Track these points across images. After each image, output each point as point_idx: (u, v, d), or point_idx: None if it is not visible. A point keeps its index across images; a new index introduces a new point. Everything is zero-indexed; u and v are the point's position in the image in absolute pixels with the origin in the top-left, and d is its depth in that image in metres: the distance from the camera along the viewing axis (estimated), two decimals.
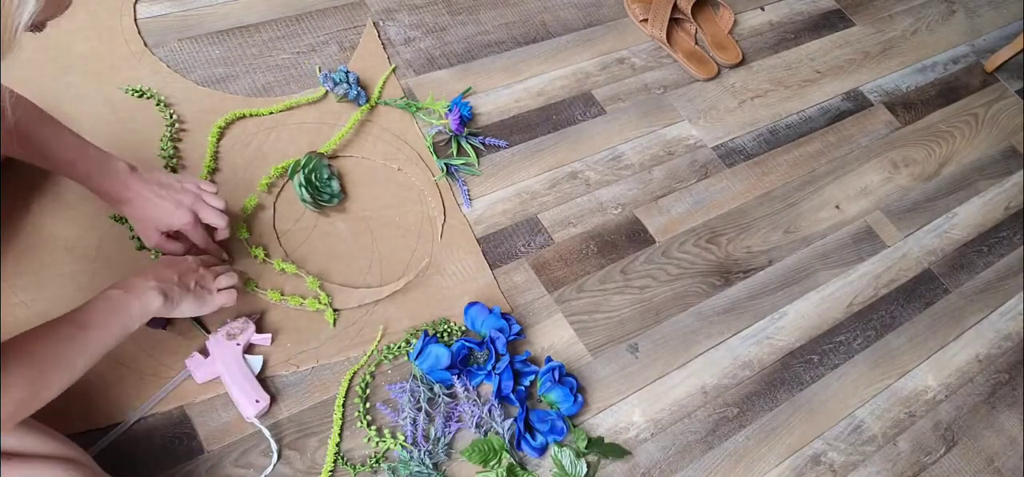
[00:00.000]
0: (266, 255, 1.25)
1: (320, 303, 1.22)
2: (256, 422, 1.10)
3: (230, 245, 1.24)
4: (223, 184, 1.30)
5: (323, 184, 1.32)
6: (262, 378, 1.14)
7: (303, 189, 1.29)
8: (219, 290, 1.10)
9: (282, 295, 1.22)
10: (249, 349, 1.16)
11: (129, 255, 1.20)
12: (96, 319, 0.92)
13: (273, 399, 1.14)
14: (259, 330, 1.18)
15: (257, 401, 1.10)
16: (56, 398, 1.01)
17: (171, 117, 1.35)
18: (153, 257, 1.19)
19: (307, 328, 1.22)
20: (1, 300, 1.11)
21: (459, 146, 1.48)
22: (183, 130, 1.35)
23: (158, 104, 1.35)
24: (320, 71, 1.50)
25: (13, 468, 0.84)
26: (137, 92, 1.36)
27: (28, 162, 1.07)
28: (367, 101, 1.47)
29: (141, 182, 1.11)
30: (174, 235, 1.15)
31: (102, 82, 1.36)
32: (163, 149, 1.30)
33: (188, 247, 1.17)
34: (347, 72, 1.48)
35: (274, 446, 1.09)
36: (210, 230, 1.18)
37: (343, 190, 1.36)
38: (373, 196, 1.38)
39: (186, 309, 1.04)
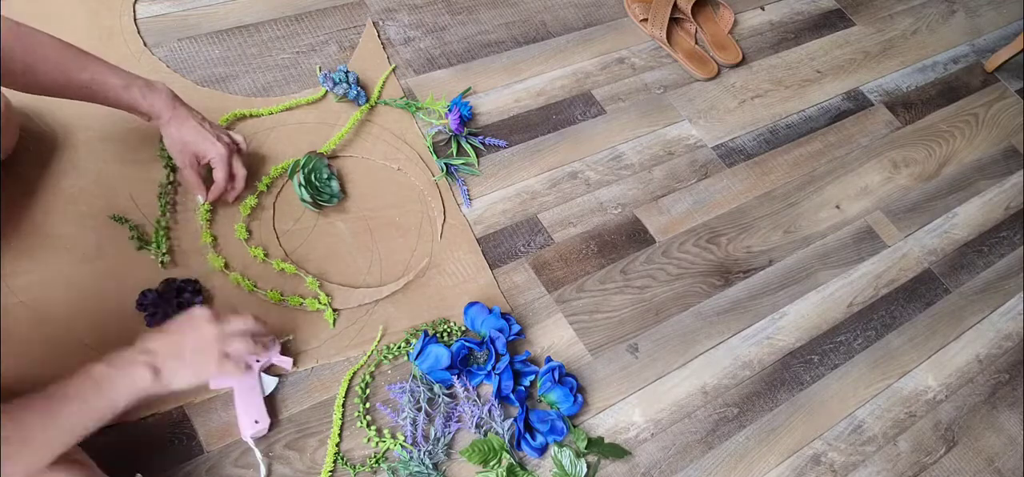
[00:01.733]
0: (265, 255, 1.25)
1: (320, 303, 1.22)
2: (249, 441, 1.09)
3: (231, 245, 1.24)
4: None
5: (323, 184, 1.32)
6: (270, 398, 1.14)
7: (303, 189, 1.29)
8: (228, 354, 0.99)
9: (282, 296, 1.22)
10: (268, 368, 1.15)
11: (128, 255, 1.20)
12: (74, 395, 0.84)
13: (274, 422, 1.13)
14: (284, 352, 1.17)
15: (256, 422, 1.10)
16: None
17: None
18: (158, 256, 1.20)
19: (307, 328, 1.21)
20: (1, 300, 1.11)
21: (459, 146, 1.48)
22: None
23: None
24: (320, 71, 1.50)
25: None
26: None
27: (77, 100, 1.12)
28: (367, 101, 1.47)
29: (185, 107, 1.19)
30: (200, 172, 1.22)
31: None
32: (162, 150, 1.30)
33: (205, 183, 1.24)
34: (347, 72, 1.48)
35: (263, 467, 1.08)
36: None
37: (343, 190, 1.36)
38: (373, 196, 1.38)
39: (182, 380, 0.93)
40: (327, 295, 1.24)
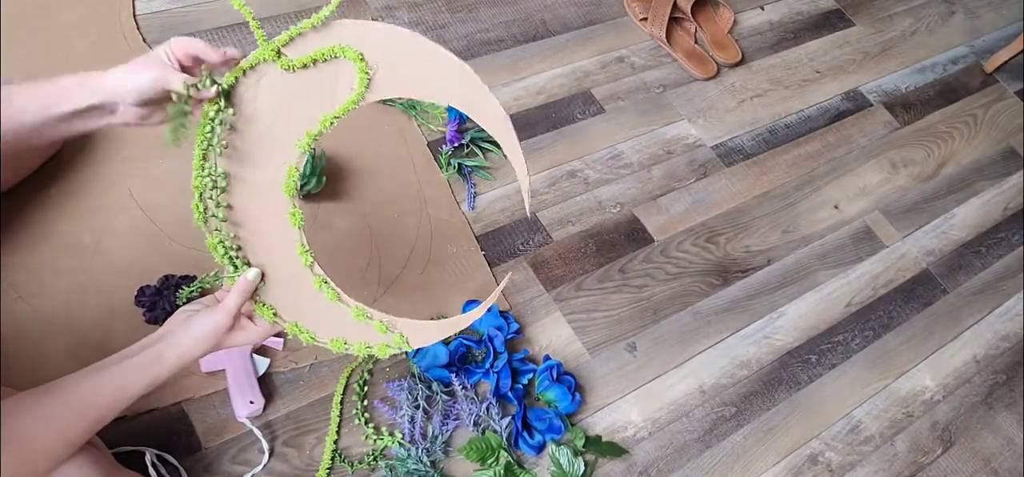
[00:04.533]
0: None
1: (391, 346, 0.99)
2: (247, 422, 1.10)
3: None
4: None
5: (319, 166, 1.30)
6: (262, 377, 1.14)
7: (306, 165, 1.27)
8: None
9: (346, 344, 0.99)
10: (260, 350, 1.16)
11: (128, 251, 1.20)
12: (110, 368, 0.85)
13: (268, 402, 1.14)
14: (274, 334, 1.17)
15: (251, 402, 1.10)
16: None
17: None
18: None
19: None
20: (1, 297, 1.11)
21: (478, 148, 1.48)
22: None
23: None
24: None
25: None
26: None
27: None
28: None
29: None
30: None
31: None
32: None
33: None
34: None
35: (265, 445, 1.09)
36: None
37: (326, 178, 1.33)
38: (372, 195, 1.38)
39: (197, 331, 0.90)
40: (402, 336, 1.00)
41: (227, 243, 0.91)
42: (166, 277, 1.17)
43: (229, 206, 0.90)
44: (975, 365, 1.50)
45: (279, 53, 0.88)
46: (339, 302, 0.97)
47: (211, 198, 0.89)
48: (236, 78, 0.86)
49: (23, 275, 1.14)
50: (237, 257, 0.92)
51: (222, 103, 0.86)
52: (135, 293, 1.15)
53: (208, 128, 0.86)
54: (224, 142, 0.87)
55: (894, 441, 1.36)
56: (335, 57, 0.87)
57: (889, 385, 1.43)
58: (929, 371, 1.46)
